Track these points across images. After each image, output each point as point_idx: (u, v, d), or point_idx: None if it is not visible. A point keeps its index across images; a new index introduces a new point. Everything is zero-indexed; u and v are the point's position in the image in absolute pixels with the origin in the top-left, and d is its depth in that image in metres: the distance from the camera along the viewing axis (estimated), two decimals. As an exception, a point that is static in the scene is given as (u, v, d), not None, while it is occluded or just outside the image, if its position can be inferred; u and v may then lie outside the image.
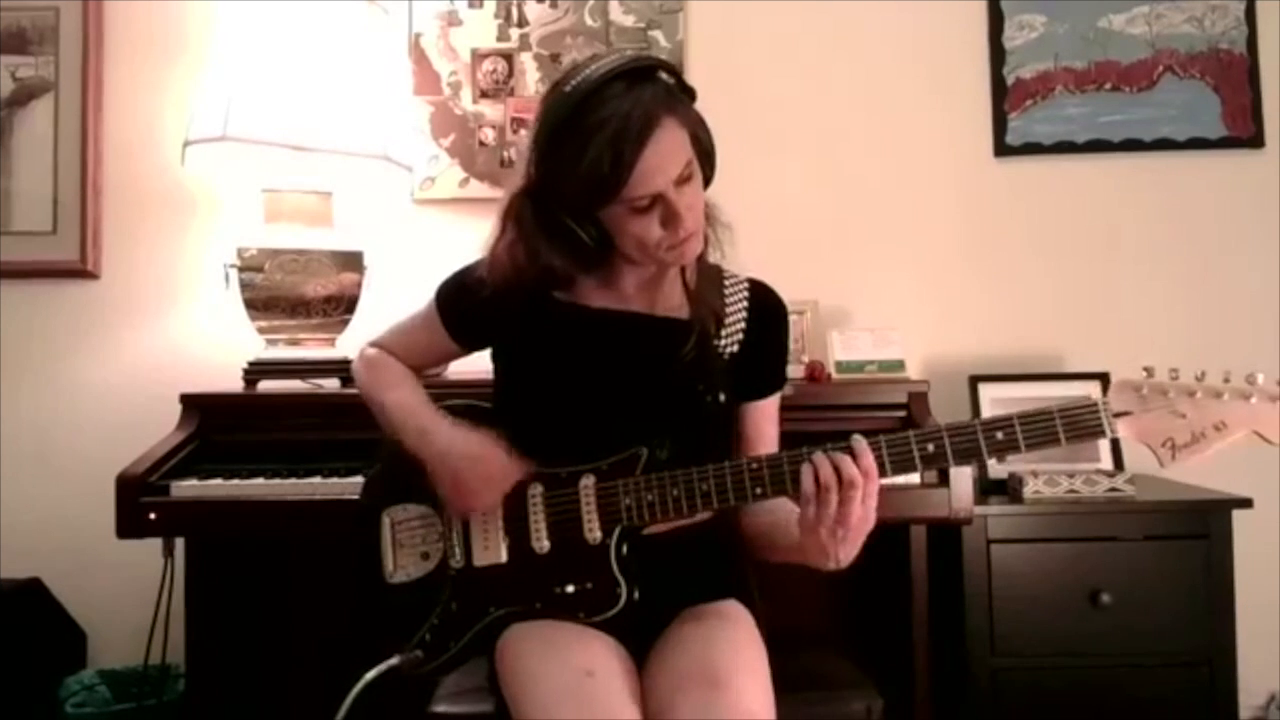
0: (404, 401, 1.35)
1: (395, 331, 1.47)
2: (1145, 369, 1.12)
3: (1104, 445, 2.11)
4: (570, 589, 1.23)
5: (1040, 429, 1.11)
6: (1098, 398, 1.12)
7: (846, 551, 1.13)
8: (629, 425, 1.24)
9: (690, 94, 1.23)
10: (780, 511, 1.24)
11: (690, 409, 1.27)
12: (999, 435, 1.12)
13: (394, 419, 1.34)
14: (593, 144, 1.13)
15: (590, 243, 1.21)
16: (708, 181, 1.26)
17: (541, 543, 1.25)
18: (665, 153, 1.15)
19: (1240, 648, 1.87)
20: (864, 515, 1.10)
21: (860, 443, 1.11)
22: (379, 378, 1.41)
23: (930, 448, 1.13)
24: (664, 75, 1.19)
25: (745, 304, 1.34)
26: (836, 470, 1.10)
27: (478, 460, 1.23)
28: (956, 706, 1.88)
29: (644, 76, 1.17)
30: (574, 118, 1.14)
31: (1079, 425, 1.11)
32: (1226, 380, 1.10)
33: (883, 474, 1.11)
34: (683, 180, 1.18)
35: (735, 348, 1.32)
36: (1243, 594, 1.86)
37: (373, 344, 1.48)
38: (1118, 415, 1.11)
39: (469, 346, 1.42)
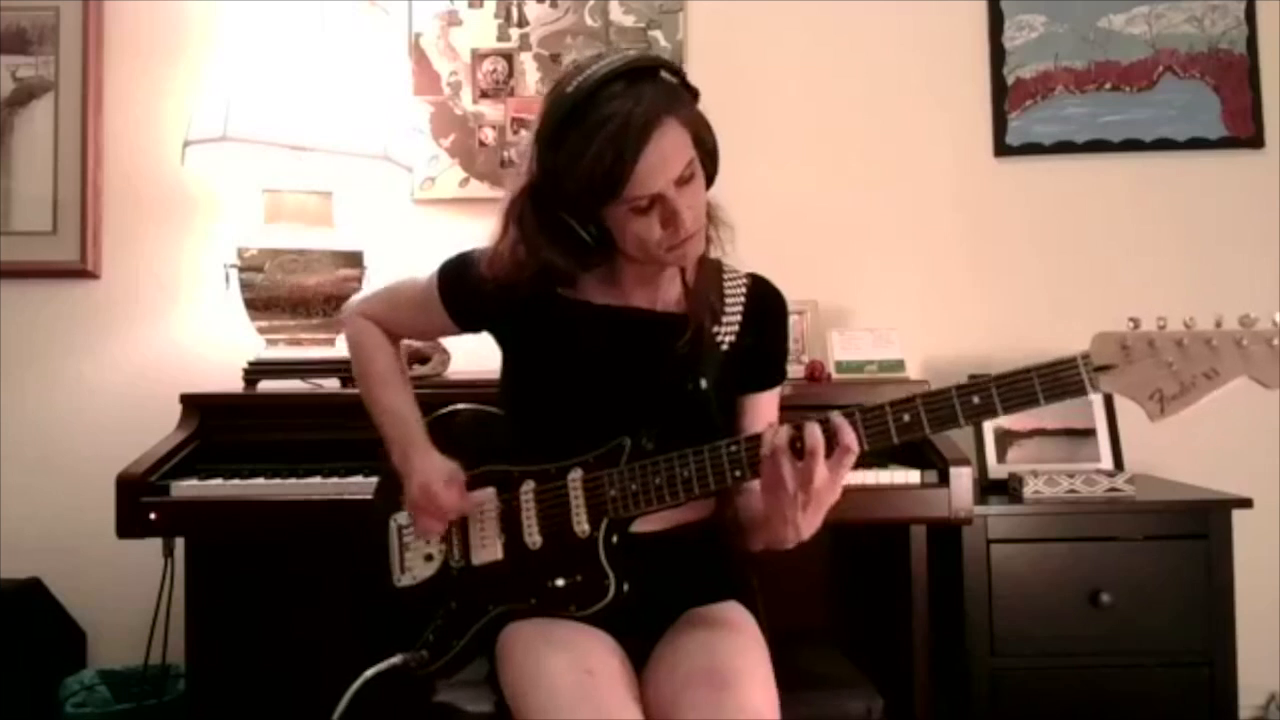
0: (396, 410, 1.37)
1: (390, 304, 1.45)
2: (1131, 319, 1.05)
3: (1104, 444, 2.11)
4: (561, 583, 1.23)
5: (1018, 390, 1.07)
6: (1077, 353, 1.06)
7: (808, 520, 1.13)
8: (623, 419, 1.24)
9: (693, 93, 1.23)
10: (754, 495, 1.24)
11: (677, 399, 1.27)
12: (975, 400, 1.09)
13: (383, 426, 1.38)
14: (594, 143, 1.12)
15: (591, 242, 1.21)
16: (711, 180, 1.26)
17: (534, 538, 1.25)
18: (666, 153, 1.15)
19: (1240, 648, 1.87)
20: (830, 481, 1.10)
21: (837, 417, 1.11)
22: (372, 367, 1.42)
23: (906, 417, 1.11)
24: (667, 75, 1.19)
25: (743, 298, 1.34)
26: (799, 435, 1.10)
27: (434, 494, 1.27)
28: (956, 706, 1.88)
29: (646, 76, 1.17)
30: (576, 117, 1.14)
31: (1059, 383, 1.06)
32: (1218, 325, 1.03)
33: (860, 447, 1.10)
34: (684, 181, 1.18)
35: (732, 338, 1.32)
36: (1243, 594, 1.87)
37: (364, 314, 1.45)
38: (1100, 370, 1.05)
39: (467, 328, 1.41)
